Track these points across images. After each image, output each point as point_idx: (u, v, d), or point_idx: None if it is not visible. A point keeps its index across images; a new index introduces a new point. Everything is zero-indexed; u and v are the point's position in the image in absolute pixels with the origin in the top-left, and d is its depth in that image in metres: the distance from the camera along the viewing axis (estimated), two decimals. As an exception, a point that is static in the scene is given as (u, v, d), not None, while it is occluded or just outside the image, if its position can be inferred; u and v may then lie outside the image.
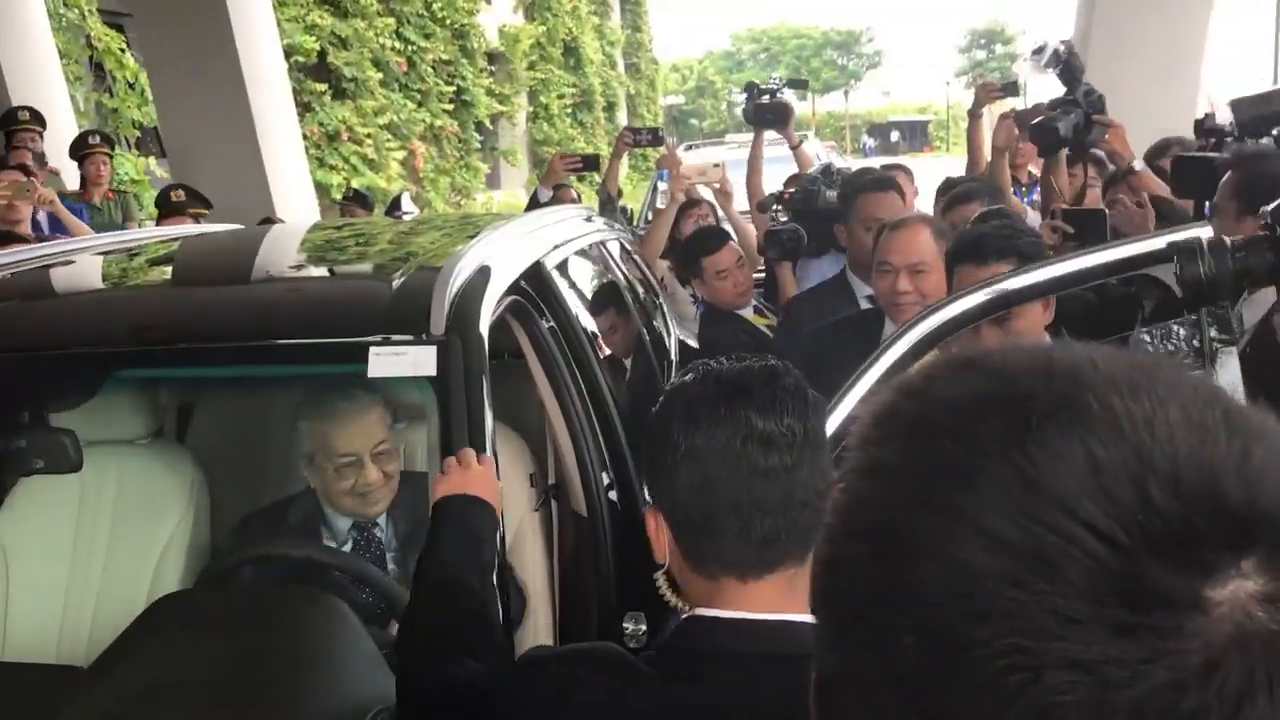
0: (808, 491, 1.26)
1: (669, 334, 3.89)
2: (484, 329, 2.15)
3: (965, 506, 0.48)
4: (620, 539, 2.42)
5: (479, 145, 19.95)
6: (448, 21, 18.24)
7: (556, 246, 2.93)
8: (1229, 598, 0.45)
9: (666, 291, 4.56)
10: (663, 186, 4.50)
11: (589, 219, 3.72)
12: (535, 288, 2.63)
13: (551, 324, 2.63)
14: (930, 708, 0.49)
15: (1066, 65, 3.65)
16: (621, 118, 31.34)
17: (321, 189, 13.37)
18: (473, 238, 2.57)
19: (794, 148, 5.50)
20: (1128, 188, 3.68)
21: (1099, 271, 2.02)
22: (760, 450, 1.25)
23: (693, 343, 4.07)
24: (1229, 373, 1.99)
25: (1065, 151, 3.93)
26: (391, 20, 16.26)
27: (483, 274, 2.36)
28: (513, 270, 2.51)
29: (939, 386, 0.54)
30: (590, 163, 5.24)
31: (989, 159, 4.77)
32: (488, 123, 20.26)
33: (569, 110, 25.77)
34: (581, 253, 3.27)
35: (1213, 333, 2.02)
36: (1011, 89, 5.23)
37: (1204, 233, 2.01)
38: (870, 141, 57.83)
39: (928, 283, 2.93)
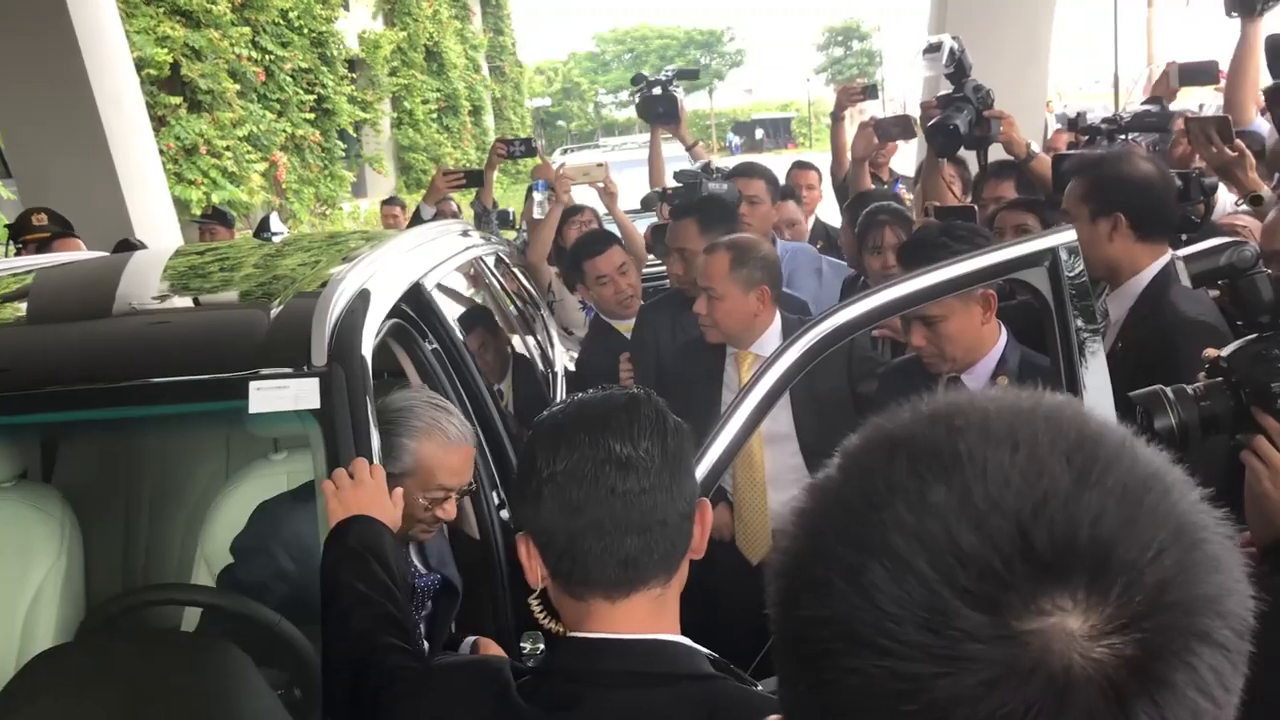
0: (667, 512, 1.31)
1: (552, 345, 3.88)
2: (367, 356, 2.11)
3: (824, 528, 0.57)
4: (515, 558, 2.40)
5: (343, 153, 19.58)
6: (305, 29, 17.86)
7: (436, 265, 2.89)
8: (1038, 629, 0.50)
9: (556, 299, 4.54)
10: (539, 197, 4.45)
11: (466, 233, 3.69)
12: (415, 309, 2.60)
13: (434, 345, 2.61)
14: (796, 701, 0.58)
15: (958, 63, 3.69)
16: (489, 121, 31.13)
17: (181, 205, 12.94)
18: (348, 260, 2.52)
19: (689, 148, 5.36)
20: (1029, 173, 3.77)
21: (965, 280, 2.09)
22: (619, 473, 1.30)
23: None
24: (1097, 373, 2.08)
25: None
26: (247, 30, 15.85)
27: (363, 298, 2.32)
28: (393, 293, 2.48)
29: (872, 426, 0.61)
30: (473, 178, 5.17)
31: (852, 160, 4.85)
32: (351, 130, 19.92)
33: (434, 115, 25.49)
34: (460, 269, 3.25)
35: (1079, 323, 2.10)
36: (871, 91, 5.30)
37: (1067, 237, 2.10)
38: (736, 139, 58.46)
39: (719, 309, 3.13)
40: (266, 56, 16.50)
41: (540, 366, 3.51)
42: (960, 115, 3.51)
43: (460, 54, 27.98)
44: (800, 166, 6.33)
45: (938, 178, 3.74)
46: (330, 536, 1.73)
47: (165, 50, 13.56)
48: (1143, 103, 4.21)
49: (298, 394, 1.96)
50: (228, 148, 14.55)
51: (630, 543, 1.30)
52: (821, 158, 6.38)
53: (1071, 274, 2.04)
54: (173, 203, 12.53)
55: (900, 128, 4.66)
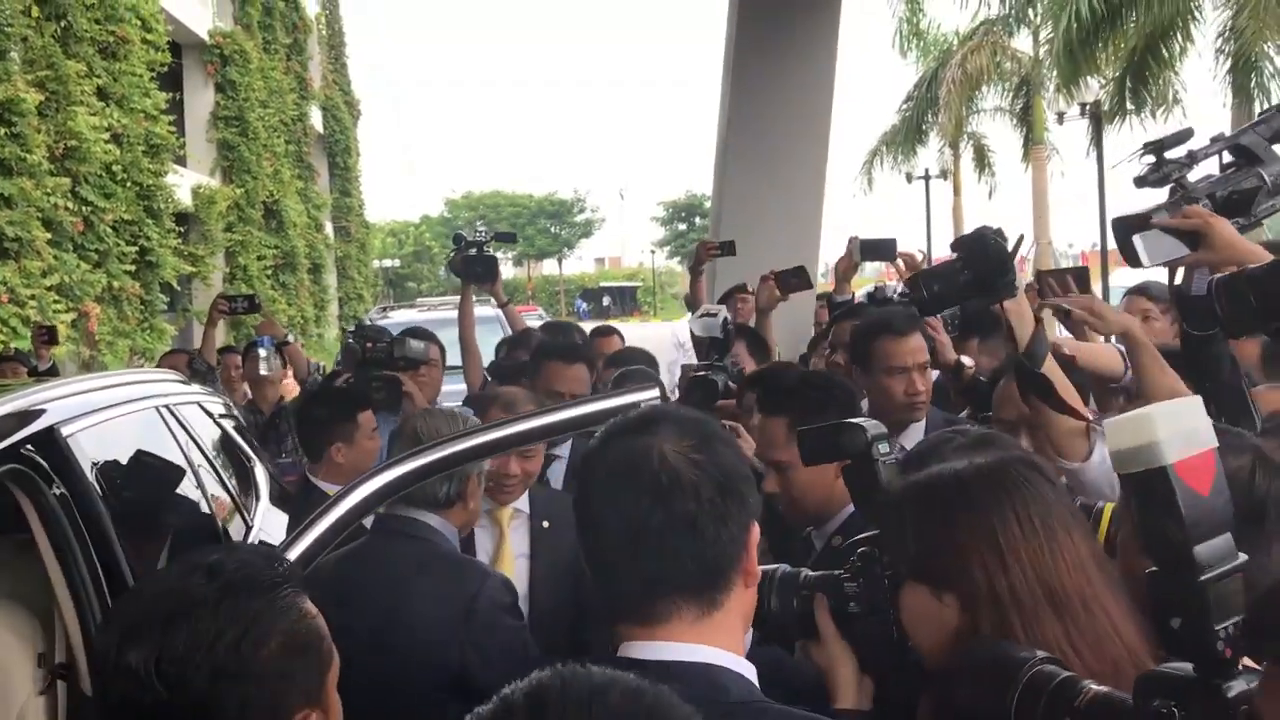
0: None
1: (256, 501, 3.80)
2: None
3: None
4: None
5: (165, 306, 19.18)
6: (130, 182, 17.64)
7: (85, 412, 2.82)
8: None
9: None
10: (263, 353, 4.43)
11: (164, 382, 3.63)
12: (46, 455, 2.53)
13: (62, 491, 2.53)
14: None
15: (727, 333, 3.75)
16: (330, 280, 31.02)
17: (-27, 353, 12.42)
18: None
19: (502, 306, 5.55)
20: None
21: (559, 427, 2.16)
22: None
23: None
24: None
25: None
26: (66, 180, 15.55)
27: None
28: (11, 437, 2.42)
29: None
30: (21, 356, 5.26)
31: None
32: (174, 283, 19.55)
33: (270, 272, 25.28)
34: (133, 418, 3.17)
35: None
36: (729, 248, 5.54)
37: (650, 394, 2.17)
38: (584, 305, 59.73)
39: (533, 462, 3.22)
40: (86, 207, 16.18)
41: (218, 527, 3.39)
42: (720, 377, 3.61)
43: (301, 212, 27.98)
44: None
45: None
46: None
47: (-31, 196, 13.21)
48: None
49: None
50: (33, 296, 14.08)
51: None
52: (665, 326, 6.58)
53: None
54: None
55: (799, 279, 4.79)
